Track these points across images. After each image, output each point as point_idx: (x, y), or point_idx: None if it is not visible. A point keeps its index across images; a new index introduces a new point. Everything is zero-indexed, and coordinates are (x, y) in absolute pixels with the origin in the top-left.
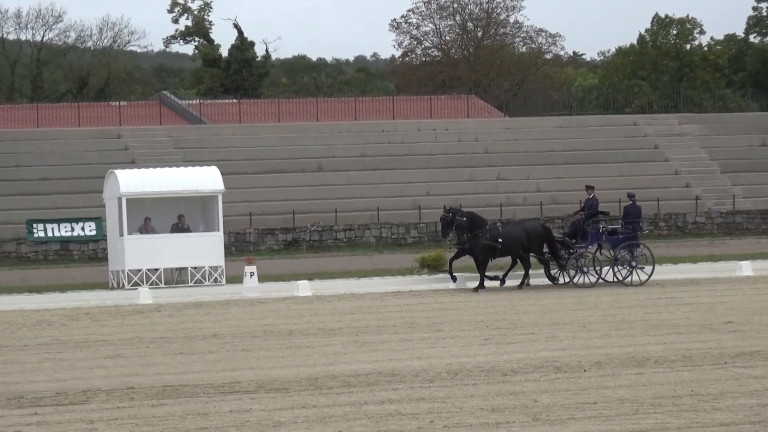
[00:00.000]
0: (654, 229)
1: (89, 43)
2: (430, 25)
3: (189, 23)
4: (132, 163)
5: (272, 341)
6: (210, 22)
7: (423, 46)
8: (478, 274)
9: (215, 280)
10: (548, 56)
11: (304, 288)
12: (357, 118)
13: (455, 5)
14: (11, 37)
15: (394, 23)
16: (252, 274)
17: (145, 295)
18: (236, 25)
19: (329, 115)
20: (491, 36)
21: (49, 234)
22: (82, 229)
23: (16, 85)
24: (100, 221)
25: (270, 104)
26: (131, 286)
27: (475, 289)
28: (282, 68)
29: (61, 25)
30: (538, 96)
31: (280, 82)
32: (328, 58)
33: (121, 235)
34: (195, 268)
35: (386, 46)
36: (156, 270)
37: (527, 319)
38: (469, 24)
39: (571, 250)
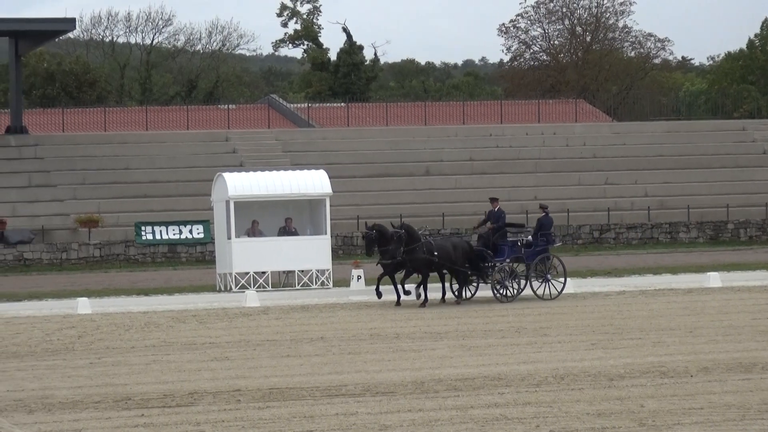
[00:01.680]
0: (762, 234)
1: (198, 47)
2: (539, 29)
3: (298, 27)
4: (240, 166)
5: (379, 344)
6: (319, 26)
7: (531, 50)
8: (394, 288)
9: (322, 283)
10: (657, 61)
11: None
12: (465, 122)
13: (564, 10)
14: (121, 40)
15: (503, 28)
16: (359, 277)
17: (252, 298)
18: (345, 29)
19: (437, 119)
20: (600, 40)
21: (157, 236)
22: (190, 231)
23: (126, 88)
24: (208, 224)
25: (378, 108)
26: (238, 288)
27: (422, 305)
28: (390, 72)
29: (171, 29)
30: (647, 101)
31: (388, 86)
32: (437, 62)
33: (229, 238)
34: (302, 271)
35: (495, 51)
36: (263, 273)
37: (634, 324)
38: (578, 28)
39: (490, 264)
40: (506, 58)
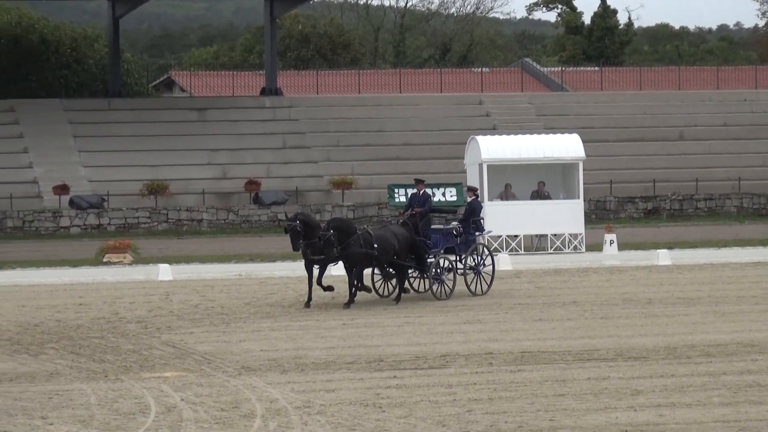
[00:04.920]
0: None
1: (452, 10)
2: None
3: None
4: (493, 130)
5: (631, 309)
6: None
7: None
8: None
9: (575, 247)
10: None
11: (663, 257)
12: (719, 87)
13: None
14: (375, 2)
15: None
16: (612, 242)
17: (504, 262)
18: None
19: (691, 84)
20: None
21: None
22: (443, 194)
23: (380, 51)
24: (460, 187)
25: (632, 72)
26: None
27: (347, 305)
28: (644, 36)
29: None
30: None
31: (642, 50)
32: (691, 27)
33: (482, 201)
34: (555, 235)
35: (750, 15)
36: (516, 236)
37: None
38: None
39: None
40: (761, 23)
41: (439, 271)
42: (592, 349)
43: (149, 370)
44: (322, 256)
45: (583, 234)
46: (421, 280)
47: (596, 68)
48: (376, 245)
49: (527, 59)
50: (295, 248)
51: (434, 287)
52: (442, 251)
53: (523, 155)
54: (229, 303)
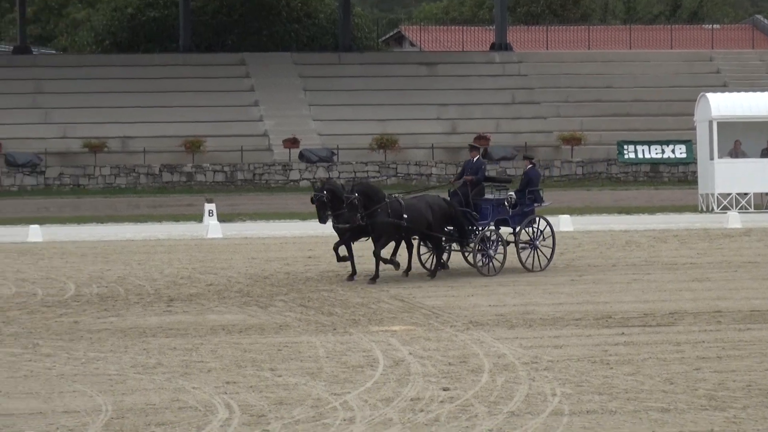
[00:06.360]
0: None
1: None
2: None
3: None
4: (724, 87)
5: None
6: None
7: None
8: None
9: None
10: None
11: None
12: None
13: None
14: None
15: None
16: None
17: (734, 219)
18: None
19: None
20: None
21: (640, 156)
22: (673, 151)
23: (610, 7)
24: (690, 144)
25: None
26: (720, 209)
27: (372, 280)
28: None
29: None
30: None
31: None
32: None
33: (712, 158)
34: None
35: None
36: (745, 194)
37: None
38: None
39: (474, 228)
40: None
41: (486, 245)
42: None
43: (377, 323)
44: (356, 224)
45: None
46: (470, 254)
47: None
48: (405, 215)
49: (758, 16)
50: (322, 220)
51: (479, 262)
52: (492, 224)
53: (754, 113)
54: (456, 257)
